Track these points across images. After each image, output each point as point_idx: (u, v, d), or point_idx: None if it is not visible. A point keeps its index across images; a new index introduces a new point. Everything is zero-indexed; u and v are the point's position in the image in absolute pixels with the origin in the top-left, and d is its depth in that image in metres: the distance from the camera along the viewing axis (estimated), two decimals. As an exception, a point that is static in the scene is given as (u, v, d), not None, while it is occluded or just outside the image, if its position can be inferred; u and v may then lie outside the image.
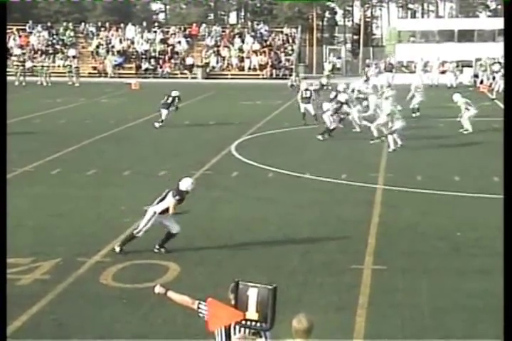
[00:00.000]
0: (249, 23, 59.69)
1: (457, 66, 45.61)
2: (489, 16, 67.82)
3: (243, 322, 6.35)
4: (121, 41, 55.06)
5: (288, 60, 52.79)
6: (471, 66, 45.21)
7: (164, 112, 27.01)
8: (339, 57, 54.82)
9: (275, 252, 12.69)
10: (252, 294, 6.37)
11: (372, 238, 13.41)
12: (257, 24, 57.83)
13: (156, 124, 26.84)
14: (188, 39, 55.25)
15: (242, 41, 54.35)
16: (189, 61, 52.85)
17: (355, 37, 65.45)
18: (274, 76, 51.25)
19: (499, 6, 70.24)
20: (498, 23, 51.91)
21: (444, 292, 10.83)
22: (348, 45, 63.57)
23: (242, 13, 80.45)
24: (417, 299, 10.57)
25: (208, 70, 52.63)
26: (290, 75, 47.75)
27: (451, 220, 14.71)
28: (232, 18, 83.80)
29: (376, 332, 9.38)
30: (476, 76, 44.85)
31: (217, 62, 53.16)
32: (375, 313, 9.98)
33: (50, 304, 10.41)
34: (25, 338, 9.29)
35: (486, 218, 14.76)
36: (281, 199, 16.51)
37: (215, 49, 54.06)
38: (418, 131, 26.34)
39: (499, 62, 43.33)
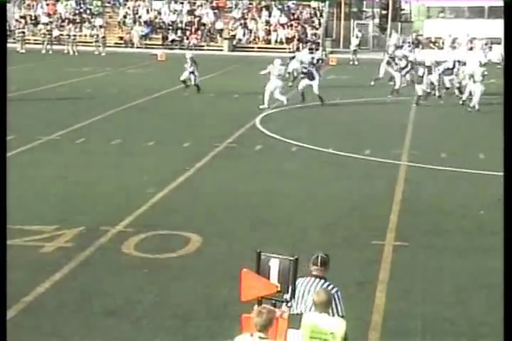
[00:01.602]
0: (278, -4, 59.22)
1: (486, 44, 45.10)
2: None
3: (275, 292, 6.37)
4: (148, 11, 54.91)
5: (315, 34, 52.43)
6: (500, 43, 44.61)
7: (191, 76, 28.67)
8: (366, 32, 54.35)
9: (296, 226, 12.70)
10: (274, 265, 6.40)
11: (394, 214, 13.38)
12: (285, -3, 57.40)
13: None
14: (215, 11, 54.99)
15: (269, 14, 54.01)
16: (218, 26, 52.75)
17: (384, 12, 64.74)
18: (300, 50, 50.94)
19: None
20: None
21: (466, 270, 10.81)
22: (376, 20, 62.86)
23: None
24: (438, 276, 10.56)
25: (234, 42, 52.42)
26: (317, 49, 47.44)
27: (474, 198, 14.64)
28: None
29: (396, 308, 9.39)
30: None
31: (244, 35, 52.92)
32: (395, 289, 9.99)
33: (72, 272, 10.51)
34: (48, 304, 9.39)
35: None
36: (304, 173, 16.50)
37: (242, 21, 53.79)
38: (445, 108, 26.18)
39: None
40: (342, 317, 6.82)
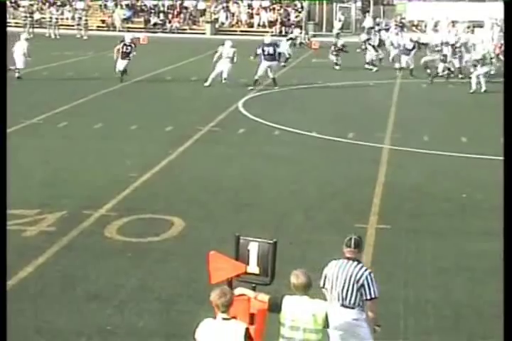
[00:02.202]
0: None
1: (468, 27, 45.08)
2: (503, -24, 66.80)
3: (244, 275, 6.41)
4: (130, -5, 54.53)
5: (297, 17, 52.27)
6: (482, 26, 44.61)
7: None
8: (349, 16, 54.22)
9: (280, 209, 12.72)
10: (253, 248, 6.43)
11: (377, 198, 13.41)
12: (268, -20, 57.13)
13: None
14: (198, -6, 54.68)
15: (252, -3, 53.76)
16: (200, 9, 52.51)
17: (366, -5, 64.62)
18: (283, 33, 50.79)
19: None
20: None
21: (448, 252, 10.87)
22: (359, 3, 62.73)
23: (253, -32, 79.37)
24: (421, 259, 10.61)
25: (216, 26, 52.18)
26: (299, 33, 47.32)
27: (457, 181, 14.70)
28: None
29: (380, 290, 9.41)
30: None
31: (226, 18, 52.68)
32: (378, 272, 9.94)
33: (55, 256, 10.49)
34: (30, 288, 9.37)
35: (492, 180, 14.73)
36: (287, 156, 16.49)
37: (225, 5, 53.51)
38: (428, 92, 26.23)
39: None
40: (375, 298, 6.96)
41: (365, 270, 7.00)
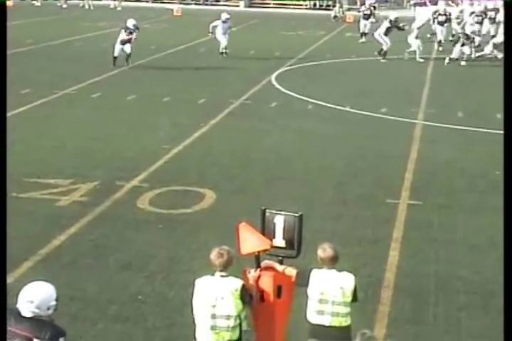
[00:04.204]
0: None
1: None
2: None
3: (271, 249, 6.44)
4: (164, -34, 54.21)
5: (332, -10, 51.75)
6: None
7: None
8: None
9: (311, 184, 12.71)
10: (279, 222, 6.45)
11: (409, 173, 13.36)
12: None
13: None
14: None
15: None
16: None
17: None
18: (317, 6, 50.40)
19: None
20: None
21: (480, 229, 10.82)
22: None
23: None
24: (452, 235, 10.58)
25: (250, -1, 51.86)
26: (334, 6, 46.92)
27: (490, 158, 14.56)
28: None
29: (409, 266, 9.43)
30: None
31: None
32: (408, 247, 10.02)
33: (87, 226, 10.59)
34: (64, 257, 9.49)
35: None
36: (320, 131, 16.45)
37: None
38: (463, 67, 25.93)
39: None
40: None
41: None
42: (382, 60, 27.02)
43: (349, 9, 47.38)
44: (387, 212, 11.38)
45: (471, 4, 38.52)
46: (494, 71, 24.84)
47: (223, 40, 26.84)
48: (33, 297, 5.35)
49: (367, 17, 32.52)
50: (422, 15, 33.14)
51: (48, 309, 5.39)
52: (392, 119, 17.59)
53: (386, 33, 27.46)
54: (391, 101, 19.54)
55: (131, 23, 24.45)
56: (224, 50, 26.82)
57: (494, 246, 10.21)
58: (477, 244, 10.28)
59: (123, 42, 24.03)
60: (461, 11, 33.75)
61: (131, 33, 24.18)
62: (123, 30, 24.36)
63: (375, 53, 27.54)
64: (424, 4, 46.40)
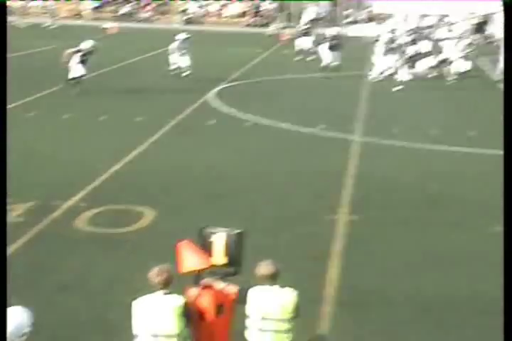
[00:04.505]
0: (231, -31, 58.83)
1: (439, 20, 45.32)
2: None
3: (211, 267, 6.41)
4: (99, -16, 54.08)
5: (269, 9, 52.21)
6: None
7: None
8: (319, 8, 54.21)
9: (251, 200, 12.72)
10: (218, 239, 6.42)
11: (347, 189, 13.47)
12: (239, -30, 57.02)
13: None
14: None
15: (222, -12, 53.66)
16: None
17: (337, -13, 64.72)
18: (254, 24, 50.76)
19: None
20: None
21: (418, 243, 10.94)
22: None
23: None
24: (391, 249, 10.67)
25: (187, 16, 51.97)
26: (270, 24, 47.33)
27: (427, 173, 14.79)
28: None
29: (349, 281, 9.47)
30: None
31: (197, 9, 52.47)
32: (348, 263, 10.08)
33: (24, 246, 10.41)
34: (-1, 280, 9.29)
35: (462, 171, 14.87)
36: (259, 148, 16.50)
37: (195, -5, 53.35)
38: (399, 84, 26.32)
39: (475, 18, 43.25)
40: None
41: None
42: (322, 75, 27.27)
43: (285, 27, 47.80)
44: (326, 227, 11.44)
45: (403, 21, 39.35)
46: (430, 88, 25.30)
47: (182, 61, 25.97)
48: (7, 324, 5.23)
49: (304, 35, 32.74)
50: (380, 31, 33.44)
51: (22, 336, 5.27)
52: (329, 136, 17.74)
53: (330, 49, 27.75)
54: (329, 118, 19.71)
55: (88, 44, 23.16)
56: (184, 71, 25.82)
57: (431, 259, 10.34)
58: (415, 258, 10.39)
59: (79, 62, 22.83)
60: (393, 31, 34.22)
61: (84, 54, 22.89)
62: (78, 52, 22.91)
63: (320, 68, 27.80)
64: (358, 23, 47.21)
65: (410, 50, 26.56)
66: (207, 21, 51.65)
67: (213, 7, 52.47)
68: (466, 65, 26.29)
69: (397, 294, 9.16)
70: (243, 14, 51.61)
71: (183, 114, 19.87)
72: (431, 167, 15.33)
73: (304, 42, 32.35)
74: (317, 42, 29.51)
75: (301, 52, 32.16)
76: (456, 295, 9.21)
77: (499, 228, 11.44)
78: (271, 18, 50.70)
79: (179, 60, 26.08)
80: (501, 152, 16.38)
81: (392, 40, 27.20)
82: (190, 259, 6.32)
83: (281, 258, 9.24)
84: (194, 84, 24.90)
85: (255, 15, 51.36)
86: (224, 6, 52.45)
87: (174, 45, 26.25)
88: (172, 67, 26.22)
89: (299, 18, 49.41)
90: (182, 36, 26.38)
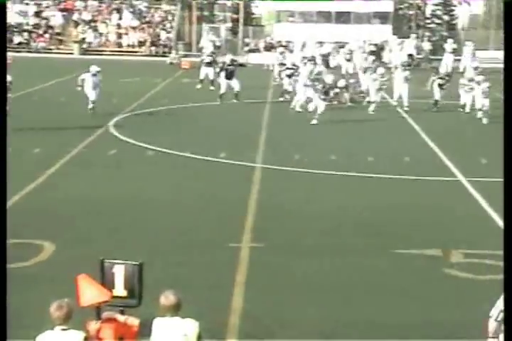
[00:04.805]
0: (128, -1, 58.80)
1: (334, 48, 46.18)
2: (365, -1, 68.85)
3: (112, 299, 6.33)
4: (-7, 13, 53.09)
5: (168, 38, 52.31)
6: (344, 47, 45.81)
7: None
8: (218, 36, 54.64)
9: (153, 230, 12.61)
10: (118, 271, 6.35)
11: (250, 216, 13.50)
12: (136, 0, 56.98)
13: None
14: (64, 13, 53.87)
15: (120, 17, 53.45)
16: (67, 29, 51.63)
17: (235, 16, 65.40)
18: (153, 53, 50.72)
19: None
20: (374, 6, 53.13)
21: (320, 270, 11.01)
22: (228, 24, 63.40)
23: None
24: (294, 277, 10.71)
25: (84, 46, 51.52)
26: (170, 53, 47.40)
27: (328, 199, 14.97)
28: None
29: (253, 310, 9.45)
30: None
31: (95, 38, 52.11)
32: (252, 291, 10.07)
33: None
34: None
35: (363, 197, 15.11)
36: (160, 177, 16.41)
37: (92, 24, 52.95)
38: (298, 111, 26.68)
39: (373, 44, 44.22)
40: None
41: None
42: (222, 103, 27.44)
43: (185, 55, 47.95)
44: (229, 256, 11.42)
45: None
46: (333, 114, 25.71)
47: (92, 95, 24.44)
48: None
49: (208, 64, 32.59)
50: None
51: None
52: (231, 163, 17.80)
53: (227, 77, 27.86)
54: (230, 146, 19.79)
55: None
56: (92, 105, 24.39)
57: (334, 284, 10.43)
58: (319, 284, 10.45)
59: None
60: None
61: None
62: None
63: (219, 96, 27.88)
64: (258, 51, 47.74)
65: (327, 80, 26.12)
66: (105, 51, 51.28)
67: (112, 36, 52.16)
68: (376, 96, 26.46)
69: (301, 323, 9.17)
70: (142, 43, 51.48)
71: (83, 144, 19.61)
72: (333, 193, 15.54)
73: (207, 71, 32.33)
74: (218, 71, 29.56)
75: (204, 80, 32.18)
76: (360, 321, 9.30)
77: (402, 250, 11.68)
78: (169, 47, 50.75)
79: (89, 93, 24.53)
80: (398, 176, 16.79)
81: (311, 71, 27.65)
82: (89, 292, 6.22)
83: (184, 287, 9.18)
84: (94, 114, 24.62)
85: (154, 45, 51.31)
86: (123, 35, 52.22)
87: (87, 78, 24.58)
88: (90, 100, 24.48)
89: (198, 46, 49.68)
90: (94, 69, 24.92)
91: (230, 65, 28.22)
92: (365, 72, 29.46)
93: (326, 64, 33.31)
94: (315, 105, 24.28)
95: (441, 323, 9.20)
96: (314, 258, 11.52)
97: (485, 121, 23.81)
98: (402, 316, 9.41)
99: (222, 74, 28.15)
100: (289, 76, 28.62)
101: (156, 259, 10.76)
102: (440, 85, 26.38)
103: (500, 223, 13.19)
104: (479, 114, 24.32)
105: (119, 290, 6.34)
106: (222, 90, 27.93)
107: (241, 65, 27.86)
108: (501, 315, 6.61)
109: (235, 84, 27.91)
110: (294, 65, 29.65)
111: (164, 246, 11.85)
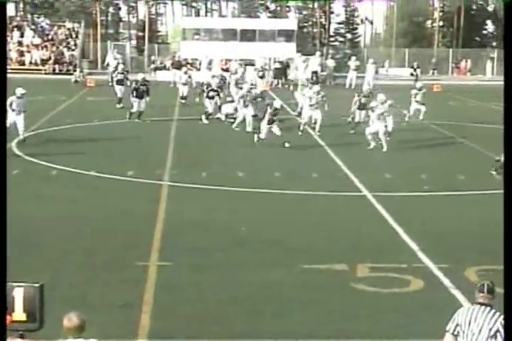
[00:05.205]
0: (29, 16, 57.93)
1: (240, 64, 46.55)
2: (269, 17, 69.69)
3: (11, 324, 6.15)
4: None
5: (72, 55, 51.71)
6: (253, 65, 46.28)
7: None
8: (123, 54, 54.34)
9: (59, 250, 12.38)
10: (18, 294, 6.18)
11: (157, 234, 13.42)
12: (38, 17, 56.20)
13: None
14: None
15: (22, 35, 52.57)
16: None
17: (140, 33, 65.24)
18: (57, 71, 50.05)
19: (278, 8, 72.45)
20: (278, 24, 53.86)
21: (228, 285, 11.03)
22: (134, 42, 63.23)
23: (21, 5, 77.79)
24: (202, 293, 10.68)
25: (-15, 63, 50.42)
26: (74, 71, 46.88)
27: (235, 215, 15.02)
28: (10, 9, 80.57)
29: (161, 329, 9.38)
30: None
31: (-3, 55, 51.06)
32: (159, 310, 9.99)
33: None
34: None
35: (269, 213, 15.22)
36: (66, 196, 16.16)
37: (-7, 41, 51.91)
38: (206, 125, 26.71)
39: (278, 62, 44.70)
40: None
41: (499, 316, 6.71)
42: (137, 121, 27.23)
43: (90, 73, 47.50)
44: (136, 274, 11.31)
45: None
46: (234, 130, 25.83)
47: (20, 121, 22.06)
48: None
49: (120, 82, 32.24)
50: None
51: None
52: (138, 181, 17.67)
53: (136, 95, 27.60)
54: (137, 164, 19.65)
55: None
56: (22, 134, 22.23)
57: (242, 300, 10.45)
58: (227, 300, 10.45)
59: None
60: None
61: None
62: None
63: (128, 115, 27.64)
64: (165, 68, 47.67)
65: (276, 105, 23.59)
66: (7, 69, 50.30)
67: (13, 54, 51.22)
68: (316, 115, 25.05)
69: (209, 339, 9.15)
70: (46, 61, 50.73)
71: (-15, 164, 19.14)
72: (239, 209, 15.59)
73: (119, 89, 31.89)
74: (132, 89, 28.71)
75: (117, 99, 31.62)
76: (269, 333, 9.34)
77: (308, 266, 11.80)
78: (74, 64, 50.17)
79: (16, 119, 21.97)
80: (307, 192, 16.97)
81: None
82: None
83: (91, 308, 9.08)
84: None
85: (57, 63, 50.62)
86: (25, 52, 51.35)
87: (13, 103, 21.90)
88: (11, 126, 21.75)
89: (103, 64, 49.32)
90: (20, 91, 22.27)
91: (142, 85, 28.03)
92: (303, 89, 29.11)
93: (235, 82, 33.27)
94: (243, 115, 25.04)
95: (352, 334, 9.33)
96: (221, 274, 11.52)
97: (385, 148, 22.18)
98: (313, 327, 9.50)
99: (134, 93, 27.84)
100: (211, 97, 28.11)
101: (61, 280, 10.58)
102: (363, 105, 24.95)
103: (404, 237, 13.49)
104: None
105: (19, 313, 6.16)
106: (134, 109, 27.70)
107: (137, 89, 27.29)
108: (457, 328, 6.80)
109: (143, 104, 27.72)
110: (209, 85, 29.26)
111: (70, 266, 11.65)
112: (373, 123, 22.13)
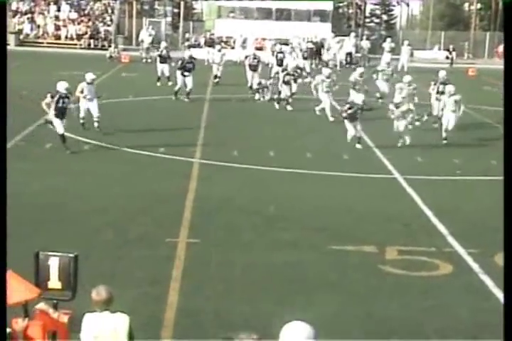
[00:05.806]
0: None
1: (275, 44, 46.36)
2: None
3: (46, 291, 6.25)
4: None
5: (107, 31, 51.81)
6: (288, 44, 46.07)
7: None
8: (159, 30, 54.31)
9: (89, 225, 12.50)
10: (53, 263, 6.28)
11: (187, 211, 13.48)
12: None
13: None
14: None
15: (58, 9, 52.74)
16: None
17: (176, 10, 65.13)
18: (92, 46, 50.19)
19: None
20: (314, 4, 53.50)
21: (257, 264, 11.07)
22: (169, 19, 63.10)
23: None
24: (231, 272, 10.73)
25: (21, 37, 50.72)
26: (109, 46, 46.95)
27: (265, 194, 15.03)
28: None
29: (189, 305, 9.45)
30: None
31: (32, 30, 51.32)
32: (188, 286, 10.06)
33: None
34: None
35: (298, 193, 15.21)
36: (97, 171, 16.27)
37: (29, 15, 52.14)
38: (239, 104, 26.68)
39: (311, 42, 44.29)
40: None
41: None
42: (186, 100, 27.06)
43: (125, 49, 47.58)
44: (166, 251, 11.39)
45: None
46: (269, 108, 25.79)
47: (94, 108, 20.97)
48: None
49: (163, 60, 31.65)
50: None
51: None
52: (170, 158, 17.73)
53: (183, 73, 27.11)
54: (169, 141, 19.68)
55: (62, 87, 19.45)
56: (97, 121, 20.75)
57: (271, 280, 10.49)
58: (255, 280, 10.50)
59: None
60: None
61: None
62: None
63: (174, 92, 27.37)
64: (199, 46, 47.63)
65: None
66: (43, 43, 50.57)
67: (50, 28, 51.43)
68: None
69: (236, 317, 9.19)
70: (81, 36, 50.90)
71: (20, 136, 19.33)
72: (269, 189, 15.60)
73: (162, 67, 31.03)
74: (178, 67, 28.17)
75: (161, 77, 31.21)
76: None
77: (336, 247, 11.80)
78: (109, 40, 50.29)
79: (89, 106, 20.99)
80: (336, 173, 16.95)
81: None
82: (17, 289, 6.12)
83: (120, 283, 9.18)
84: (33, 106, 24.22)
85: (93, 38, 50.77)
86: (62, 27, 51.55)
87: (84, 89, 21.09)
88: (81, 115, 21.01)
89: (137, 40, 49.36)
90: (90, 77, 21.55)
91: (188, 62, 27.63)
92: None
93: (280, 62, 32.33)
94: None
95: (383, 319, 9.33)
96: (250, 253, 11.56)
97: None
98: (343, 311, 9.52)
99: (181, 70, 27.32)
100: (287, 83, 27.10)
101: (92, 253, 10.68)
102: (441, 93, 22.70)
103: (434, 220, 13.44)
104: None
105: (54, 282, 6.26)
106: (178, 86, 27.45)
107: (184, 68, 26.81)
108: None
109: (189, 81, 27.31)
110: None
111: (101, 240, 11.76)
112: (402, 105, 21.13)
